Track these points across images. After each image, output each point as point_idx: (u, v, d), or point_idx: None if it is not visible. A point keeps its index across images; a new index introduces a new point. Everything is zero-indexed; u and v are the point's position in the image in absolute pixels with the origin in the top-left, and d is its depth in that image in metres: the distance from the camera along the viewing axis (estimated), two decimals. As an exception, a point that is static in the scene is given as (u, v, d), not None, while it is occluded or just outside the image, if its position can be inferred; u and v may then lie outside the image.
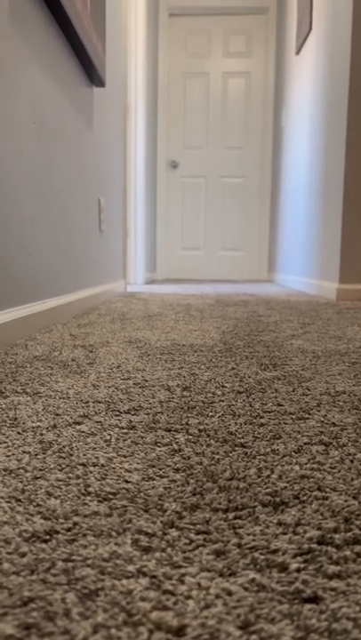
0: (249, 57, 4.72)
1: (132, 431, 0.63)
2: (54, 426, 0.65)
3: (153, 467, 0.53)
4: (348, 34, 2.54)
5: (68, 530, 0.41)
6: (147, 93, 3.95)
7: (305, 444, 0.60)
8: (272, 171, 4.82)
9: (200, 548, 0.38)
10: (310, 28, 3.34)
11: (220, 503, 0.45)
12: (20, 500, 0.45)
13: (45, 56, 1.50)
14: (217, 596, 0.33)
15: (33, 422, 0.66)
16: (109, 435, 0.62)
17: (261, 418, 0.69)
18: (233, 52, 4.72)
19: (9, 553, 0.38)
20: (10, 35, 1.23)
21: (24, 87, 1.33)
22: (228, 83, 4.75)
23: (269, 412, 0.72)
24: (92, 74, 2.01)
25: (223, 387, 0.86)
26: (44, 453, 0.56)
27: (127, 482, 0.49)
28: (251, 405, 0.75)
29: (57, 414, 0.70)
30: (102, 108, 2.35)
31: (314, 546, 0.39)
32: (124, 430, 0.64)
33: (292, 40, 4.01)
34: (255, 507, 0.45)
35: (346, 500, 0.46)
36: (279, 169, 4.51)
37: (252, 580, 0.35)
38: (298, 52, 3.71)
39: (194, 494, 0.47)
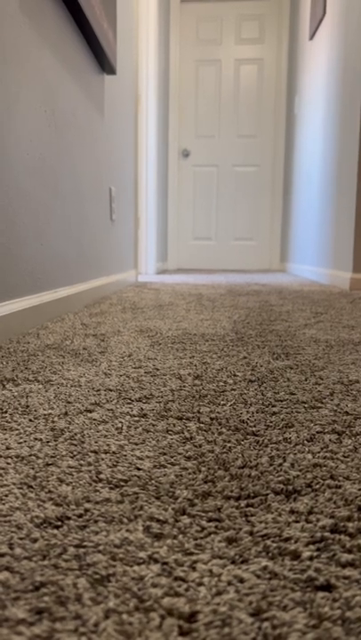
0: (262, 43, 4.65)
1: (143, 419, 0.63)
2: (66, 413, 0.65)
3: (164, 454, 0.53)
4: (363, 18, 2.49)
5: (80, 516, 0.41)
6: (158, 81, 3.92)
7: (318, 432, 0.59)
8: (285, 159, 4.77)
9: (212, 536, 0.38)
10: (324, 13, 3.28)
11: (231, 491, 0.45)
12: (31, 487, 0.45)
13: (56, 42, 1.49)
14: (229, 583, 0.33)
15: (45, 410, 0.66)
16: (121, 422, 0.62)
17: (273, 407, 0.69)
18: (245, 38, 4.65)
19: (21, 538, 0.38)
20: (21, 21, 1.22)
21: (34, 74, 1.33)
22: (240, 70, 4.70)
23: (282, 401, 0.71)
24: (102, 61, 2.00)
25: (235, 375, 0.85)
26: (55, 440, 0.56)
27: (139, 469, 0.49)
28: (263, 394, 0.75)
29: (68, 402, 0.70)
30: (113, 95, 2.33)
31: (327, 534, 0.38)
32: (136, 418, 0.64)
33: (305, 25, 3.94)
34: (267, 495, 0.44)
35: (359, 489, 0.45)
36: (292, 157, 4.46)
37: (265, 567, 0.34)
38: (311, 37, 3.65)
39: (205, 482, 0.47)
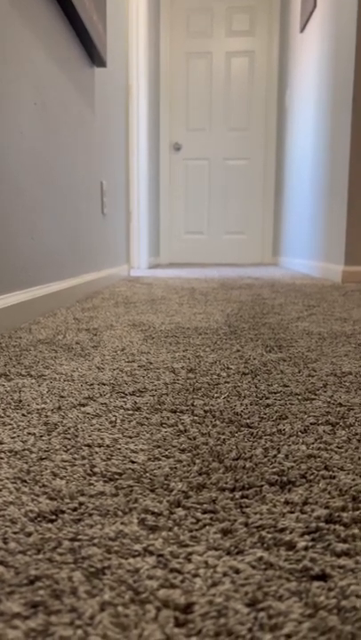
0: (253, 35, 4.63)
1: (137, 412, 0.63)
2: (59, 408, 0.65)
3: (159, 447, 0.52)
4: (353, 11, 2.48)
5: (74, 510, 0.41)
6: (149, 74, 3.89)
7: (311, 424, 0.59)
8: (276, 152, 4.76)
9: (207, 527, 0.38)
10: (315, 5, 3.27)
11: (226, 483, 0.45)
12: (25, 481, 0.45)
13: (45, 34, 1.47)
14: (224, 574, 0.33)
15: (38, 404, 0.66)
16: (114, 416, 0.62)
17: (267, 399, 0.69)
18: (236, 30, 4.63)
19: (15, 532, 0.37)
20: (10, 14, 1.20)
21: (23, 66, 1.31)
22: (231, 62, 4.68)
23: (275, 393, 0.71)
24: (92, 53, 1.98)
25: (228, 368, 0.85)
26: (49, 435, 0.56)
27: (133, 462, 0.49)
28: (256, 387, 0.75)
29: (62, 396, 0.69)
30: (104, 88, 2.31)
31: (322, 524, 0.38)
32: (130, 412, 0.63)
33: (296, 17, 3.93)
34: (262, 486, 0.44)
35: (353, 479, 0.45)
36: (284, 150, 4.46)
37: (260, 558, 0.35)
38: (302, 29, 3.63)
39: (200, 474, 0.47)
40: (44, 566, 0.34)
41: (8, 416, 0.62)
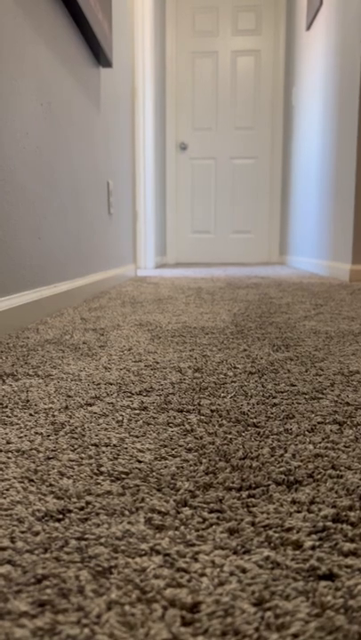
0: (259, 34, 4.62)
1: (143, 412, 0.63)
2: (66, 407, 0.65)
3: (165, 446, 0.53)
4: (359, 8, 2.47)
5: (81, 509, 0.41)
6: (154, 73, 3.89)
7: (319, 423, 0.59)
8: (283, 151, 4.75)
9: (214, 527, 0.38)
10: (321, 3, 3.26)
11: (233, 482, 0.45)
12: (32, 480, 0.45)
13: (51, 34, 1.47)
14: (231, 574, 0.33)
15: (45, 404, 0.66)
16: (121, 415, 0.62)
17: (274, 398, 0.69)
18: (242, 29, 4.62)
19: (22, 532, 0.38)
20: (15, 12, 1.21)
21: (29, 66, 1.32)
22: (237, 61, 4.67)
23: (282, 393, 0.71)
24: (98, 53, 1.98)
25: (235, 368, 0.85)
26: (56, 434, 0.56)
27: (140, 461, 0.49)
28: (263, 386, 0.74)
29: (69, 396, 0.70)
30: (110, 88, 2.31)
31: (329, 524, 0.38)
32: (136, 411, 0.64)
33: (302, 15, 3.91)
34: (269, 485, 0.44)
35: (361, 479, 0.45)
36: (290, 149, 4.44)
37: (267, 557, 0.34)
38: (308, 27, 3.62)
39: (207, 473, 0.47)
40: (51, 565, 0.34)
41: (15, 416, 0.62)
